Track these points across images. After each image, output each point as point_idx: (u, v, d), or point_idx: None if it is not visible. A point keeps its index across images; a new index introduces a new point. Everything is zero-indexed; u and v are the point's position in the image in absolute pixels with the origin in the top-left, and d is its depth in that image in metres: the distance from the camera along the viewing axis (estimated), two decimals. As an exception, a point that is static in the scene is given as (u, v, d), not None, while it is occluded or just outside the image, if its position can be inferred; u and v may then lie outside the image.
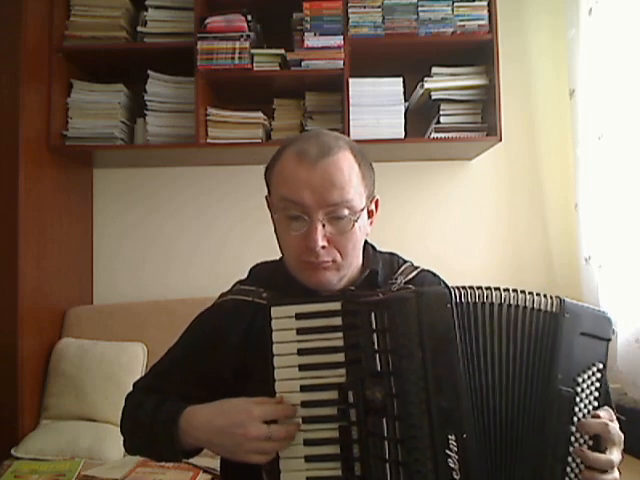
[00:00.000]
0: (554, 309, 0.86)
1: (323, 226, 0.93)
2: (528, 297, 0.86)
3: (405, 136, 2.19)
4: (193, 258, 2.51)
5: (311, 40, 2.16)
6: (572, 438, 0.83)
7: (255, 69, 2.17)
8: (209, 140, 2.21)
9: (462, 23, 2.17)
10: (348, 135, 2.09)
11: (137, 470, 1.79)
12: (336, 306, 0.87)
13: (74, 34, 2.20)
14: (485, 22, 2.17)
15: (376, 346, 0.84)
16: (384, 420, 0.82)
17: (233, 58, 2.14)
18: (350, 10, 2.17)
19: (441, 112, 2.19)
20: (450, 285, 0.88)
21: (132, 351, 2.16)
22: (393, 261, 1.10)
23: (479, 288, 0.85)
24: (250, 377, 0.97)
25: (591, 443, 0.83)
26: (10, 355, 1.95)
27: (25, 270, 2.00)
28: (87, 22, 2.21)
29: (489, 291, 0.85)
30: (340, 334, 0.86)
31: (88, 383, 2.08)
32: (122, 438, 1.03)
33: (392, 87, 2.18)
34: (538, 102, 2.50)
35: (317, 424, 0.85)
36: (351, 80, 2.15)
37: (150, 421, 0.95)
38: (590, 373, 0.86)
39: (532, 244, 2.49)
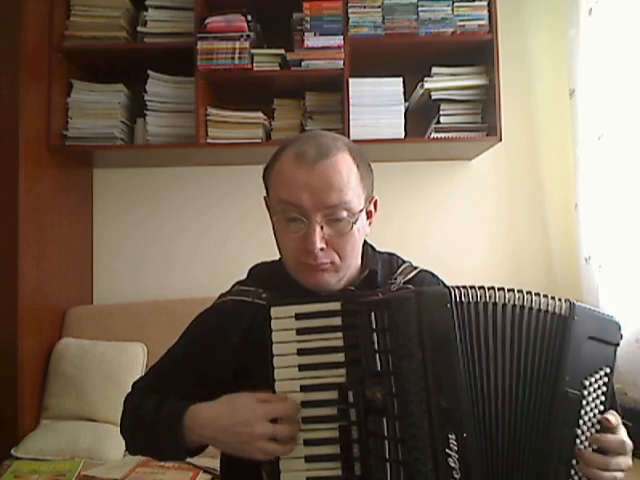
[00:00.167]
0: (563, 312, 0.86)
1: (321, 228, 0.93)
2: (535, 298, 0.86)
3: (405, 136, 2.19)
4: (193, 258, 2.51)
5: (311, 40, 2.16)
6: (577, 441, 0.83)
7: (255, 69, 2.17)
8: (209, 140, 2.21)
9: (462, 23, 2.17)
10: (348, 135, 2.09)
11: (137, 470, 1.78)
12: (336, 306, 0.87)
13: (74, 34, 2.20)
14: (485, 22, 2.16)
15: (376, 346, 0.84)
16: (384, 420, 0.82)
17: (233, 58, 2.14)
18: (350, 10, 2.17)
19: (441, 112, 2.19)
20: (450, 285, 0.88)
21: (132, 351, 2.16)
22: (392, 261, 1.10)
23: (481, 288, 0.85)
24: (250, 377, 0.97)
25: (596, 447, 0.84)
26: (10, 355, 1.95)
27: (25, 270, 2.00)
28: (87, 22, 2.20)
29: (492, 291, 0.85)
30: (340, 334, 0.86)
31: (88, 383, 2.08)
32: (123, 439, 1.03)
33: (392, 87, 2.18)
34: (538, 102, 2.50)
35: (317, 424, 0.85)
36: (351, 80, 2.15)
37: (153, 420, 0.94)
38: (597, 377, 0.86)
39: (532, 244, 2.49)
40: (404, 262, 1.11)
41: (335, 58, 2.15)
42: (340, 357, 0.86)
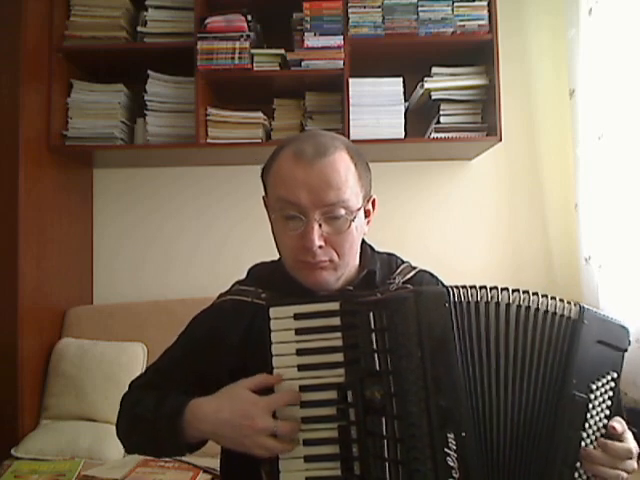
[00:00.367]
0: (573, 315, 0.86)
1: (320, 226, 0.93)
2: (542, 300, 0.86)
3: (405, 136, 2.19)
4: (193, 258, 2.51)
5: (311, 40, 2.16)
6: (583, 444, 0.83)
7: (255, 69, 2.17)
8: (209, 140, 2.21)
9: (462, 23, 2.16)
10: (348, 135, 2.09)
11: (137, 470, 1.78)
12: (335, 306, 0.87)
13: (74, 34, 2.20)
14: (485, 22, 2.16)
15: (375, 346, 0.84)
16: (383, 419, 0.82)
17: (233, 58, 2.14)
18: (350, 10, 2.17)
19: (441, 112, 2.19)
20: (450, 285, 0.88)
21: (132, 351, 2.16)
22: (391, 261, 1.10)
23: (482, 288, 0.85)
24: (249, 377, 0.97)
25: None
26: (10, 355, 1.95)
27: (25, 270, 2.00)
28: (87, 22, 2.21)
29: (495, 291, 0.85)
30: (339, 334, 0.86)
31: (88, 383, 2.08)
32: (118, 438, 1.03)
33: (392, 87, 2.18)
34: (538, 102, 2.50)
35: (316, 424, 0.85)
36: (351, 80, 2.15)
37: (153, 416, 0.94)
38: (604, 381, 0.86)
39: (532, 244, 2.49)
40: (403, 262, 1.11)
41: (335, 58, 2.15)
42: (339, 357, 0.86)
